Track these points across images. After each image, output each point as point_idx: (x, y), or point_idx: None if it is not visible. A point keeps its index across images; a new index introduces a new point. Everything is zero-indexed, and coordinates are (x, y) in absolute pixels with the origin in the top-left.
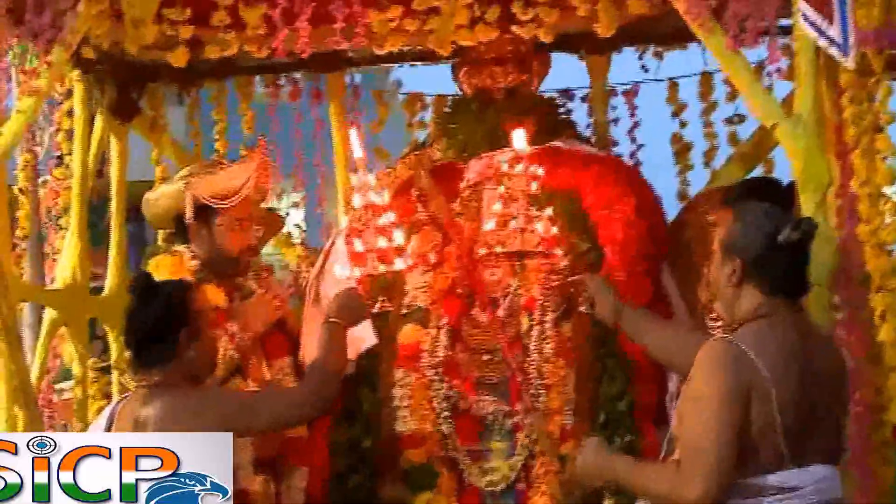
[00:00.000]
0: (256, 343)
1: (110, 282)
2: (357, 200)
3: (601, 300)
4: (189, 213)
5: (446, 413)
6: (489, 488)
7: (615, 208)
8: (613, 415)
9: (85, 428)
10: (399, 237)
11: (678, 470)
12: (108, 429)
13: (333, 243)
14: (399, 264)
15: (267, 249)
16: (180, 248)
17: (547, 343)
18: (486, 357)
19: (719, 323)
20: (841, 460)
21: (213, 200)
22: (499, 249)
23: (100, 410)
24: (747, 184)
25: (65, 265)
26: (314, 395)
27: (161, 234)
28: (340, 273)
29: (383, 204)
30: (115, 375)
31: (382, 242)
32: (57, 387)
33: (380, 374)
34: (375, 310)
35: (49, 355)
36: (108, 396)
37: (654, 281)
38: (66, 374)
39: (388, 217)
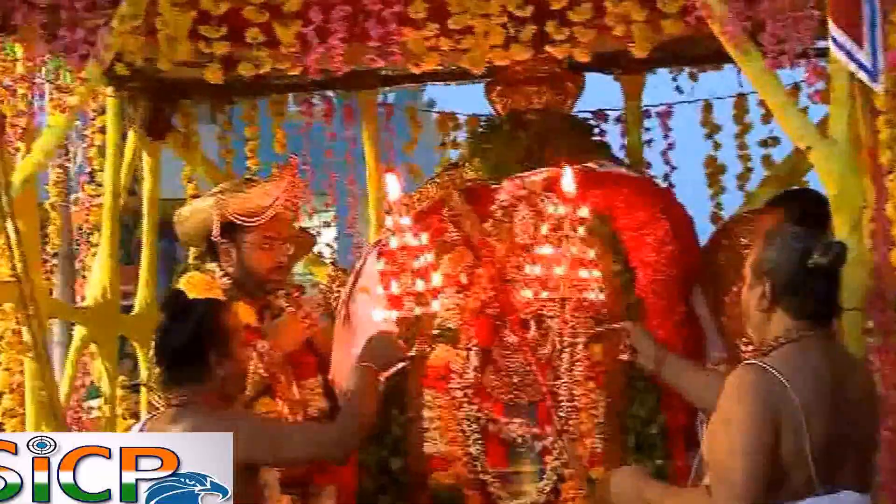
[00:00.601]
0: (286, 362)
1: (140, 299)
2: (393, 242)
3: (643, 348)
4: (216, 231)
5: (475, 435)
6: None
7: (647, 230)
8: (644, 438)
9: None
10: (436, 279)
11: (709, 495)
12: None
13: (365, 262)
14: (436, 306)
15: (298, 269)
16: (211, 265)
17: (577, 365)
18: (516, 379)
19: (751, 347)
20: (871, 487)
21: (241, 218)
22: (545, 295)
23: (128, 429)
24: (792, 190)
25: (95, 282)
26: (344, 437)
27: (192, 251)
28: (377, 316)
29: (419, 245)
30: (143, 394)
31: (420, 285)
32: (85, 405)
33: (409, 395)
34: (412, 353)
35: (78, 373)
36: (136, 415)
37: (685, 304)
38: (94, 392)
39: (426, 258)
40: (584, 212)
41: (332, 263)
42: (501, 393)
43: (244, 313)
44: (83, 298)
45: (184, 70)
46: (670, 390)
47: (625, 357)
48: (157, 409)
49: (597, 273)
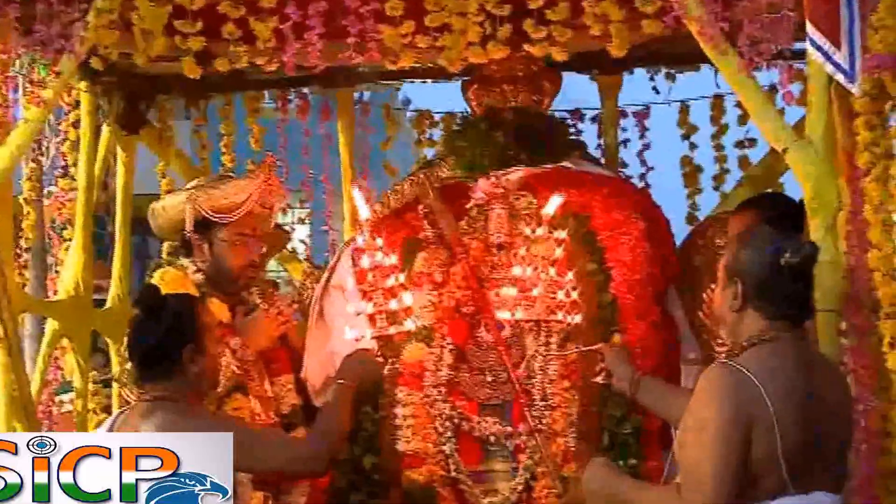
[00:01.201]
0: (259, 359)
1: (113, 294)
2: (365, 261)
3: (619, 372)
4: (189, 226)
5: (449, 433)
6: None
7: (623, 231)
8: (618, 437)
9: None
10: (408, 298)
11: (679, 494)
12: None
13: (339, 259)
14: (409, 325)
15: (272, 265)
16: (184, 261)
17: (551, 364)
18: (490, 378)
19: (725, 348)
20: (843, 488)
21: (214, 214)
22: (519, 315)
23: (99, 424)
24: (768, 193)
25: (68, 277)
26: (317, 453)
27: (165, 247)
28: (350, 334)
29: (391, 265)
30: (115, 388)
31: (393, 304)
32: (57, 399)
33: (383, 393)
34: (385, 371)
35: (50, 367)
36: (108, 409)
37: (660, 304)
38: (66, 387)
39: (397, 278)
40: (562, 234)
41: (307, 260)
42: (475, 391)
43: (217, 309)
44: (55, 293)
45: (159, 65)
46: None
47: (599, 380)
48: (129, 403)
49: (575, 294)
